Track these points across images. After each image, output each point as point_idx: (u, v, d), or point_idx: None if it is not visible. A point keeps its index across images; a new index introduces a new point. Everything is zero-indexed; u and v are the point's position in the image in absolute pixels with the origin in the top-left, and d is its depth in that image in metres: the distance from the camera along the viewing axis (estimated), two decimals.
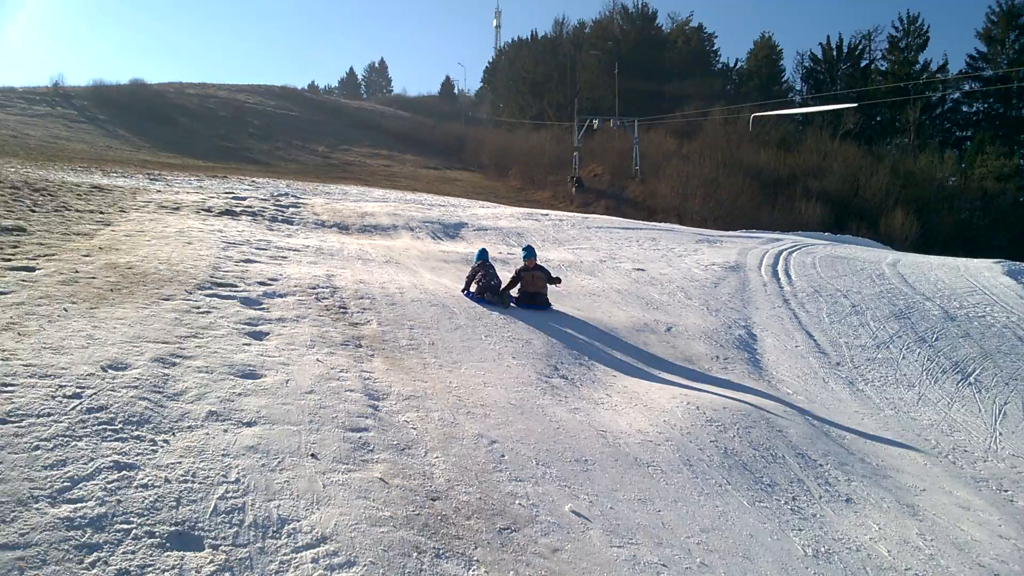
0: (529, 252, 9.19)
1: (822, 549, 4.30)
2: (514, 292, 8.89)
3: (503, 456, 4.45)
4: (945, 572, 4.30)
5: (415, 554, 3.14)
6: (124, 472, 3.21)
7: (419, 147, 48.79)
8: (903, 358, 8.94)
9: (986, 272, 13.34)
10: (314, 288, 7.44)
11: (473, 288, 8.65)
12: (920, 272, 13.21)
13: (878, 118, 49.28)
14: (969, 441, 6.87)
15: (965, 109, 50.14)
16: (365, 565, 2.96)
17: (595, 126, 39.63)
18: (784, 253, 14.65)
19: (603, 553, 3.62)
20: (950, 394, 8.03)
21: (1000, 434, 7.11)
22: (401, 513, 3.44)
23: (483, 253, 9.27)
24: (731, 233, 20.26)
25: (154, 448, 3.48)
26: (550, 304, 9.00)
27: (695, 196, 34.03)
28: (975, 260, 15.31)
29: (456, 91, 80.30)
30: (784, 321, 9.99)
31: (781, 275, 12.54)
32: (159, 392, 4.11)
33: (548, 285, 9.06)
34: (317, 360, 5.30)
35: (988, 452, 6.65)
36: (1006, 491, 5.83)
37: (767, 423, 6.16)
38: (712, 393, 6.74)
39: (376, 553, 3.06)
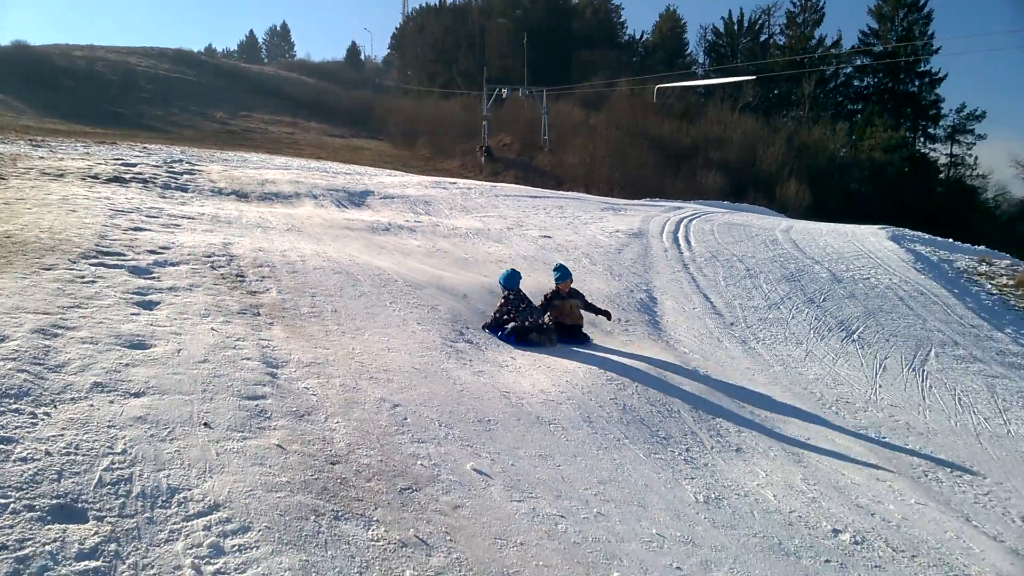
0: (563, 273, 7.52)
1: (712, 495, 4.52)
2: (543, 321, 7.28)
3: (406, 419, 4.45)
4: (826, 513, 4.59)
5: (312, 517, 3.12)
6: (1, 446, 3.05)
7: (324, 114, 47.32)
8: (792, 318, 9.43)
9: (871, 237, 14.21)
10: (209, 256, 7.17)
11: (508, 327, 6.91)
12: (810, 238, 13.92)
13: (776, 91, 51.40)
14: (851, 393, 7.32)
15: (857, 83, 53.02)
16: (260, 530, 2.92)
17: (504, 95, 39.62)
18: (685, 220, 15.12)
19: (503, 508, 3.69)
20: (835, 350, 8.53)
21: (880, 386, 7.61)
22: (299, 478, 3.41)
23: (514, 278, 7.23)
24: (635, 202, 20.75)
25: (34, 421, 3.32)
26: (589, 338, 7.40)
27: (602, 166, 34.63)
28: (862, 226, 16.26)
29: (363, 57, 78.36)
30: (683, 285, 10.34)
31: (681, 241, 12.95)
32: (39, 364, 3.90)
33: (585, 313, 7.50)
34: (212, 329, 5.13)
35: (868, 403, 7.11)
36: (884, 438, 6.25)
37: (664, 380, 6.40)
38: (613, 354, 6.94)
39: (272, 518, 3.02)
